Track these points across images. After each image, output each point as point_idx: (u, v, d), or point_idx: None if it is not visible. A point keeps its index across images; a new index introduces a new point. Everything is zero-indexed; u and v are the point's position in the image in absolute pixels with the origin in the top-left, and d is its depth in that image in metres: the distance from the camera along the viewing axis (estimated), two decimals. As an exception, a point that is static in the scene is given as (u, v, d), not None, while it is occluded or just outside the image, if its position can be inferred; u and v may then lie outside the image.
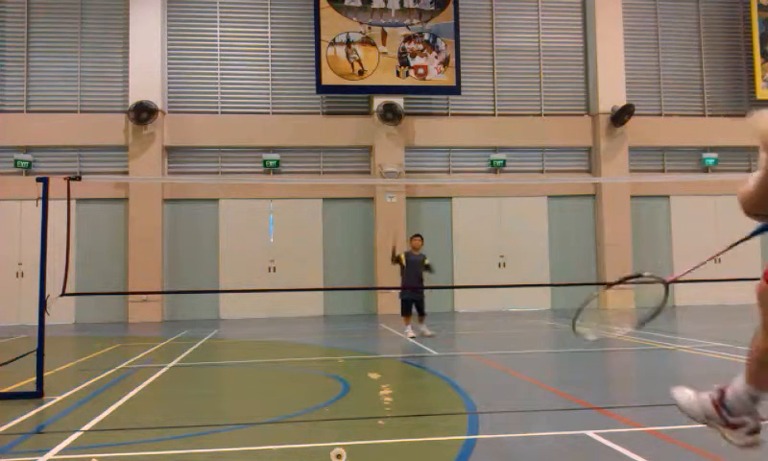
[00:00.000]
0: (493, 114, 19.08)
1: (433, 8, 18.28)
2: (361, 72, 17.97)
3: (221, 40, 18.41)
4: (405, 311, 11.41)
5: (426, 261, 11.38)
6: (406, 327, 11.35)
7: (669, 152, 19.66)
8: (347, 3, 17.99)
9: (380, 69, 18.03)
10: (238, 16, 18.52)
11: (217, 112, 18.24)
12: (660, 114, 19.68)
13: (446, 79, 18.21)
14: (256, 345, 11.43)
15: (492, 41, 19.22)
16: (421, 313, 11.34)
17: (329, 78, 17.86)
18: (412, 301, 11.35)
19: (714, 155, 19.49)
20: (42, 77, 17.82)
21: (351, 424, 5.07)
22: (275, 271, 17.80)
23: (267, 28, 18.57)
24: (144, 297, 16.88)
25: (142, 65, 17.51)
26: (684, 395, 3.00)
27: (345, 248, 18.21)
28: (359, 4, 18.04)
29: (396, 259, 11.39)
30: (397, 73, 18.08)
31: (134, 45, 17.58)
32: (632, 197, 18.89)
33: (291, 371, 8.28)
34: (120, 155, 17.70)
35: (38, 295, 6.53)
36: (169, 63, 18.15)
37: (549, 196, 18.95)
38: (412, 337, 11.00)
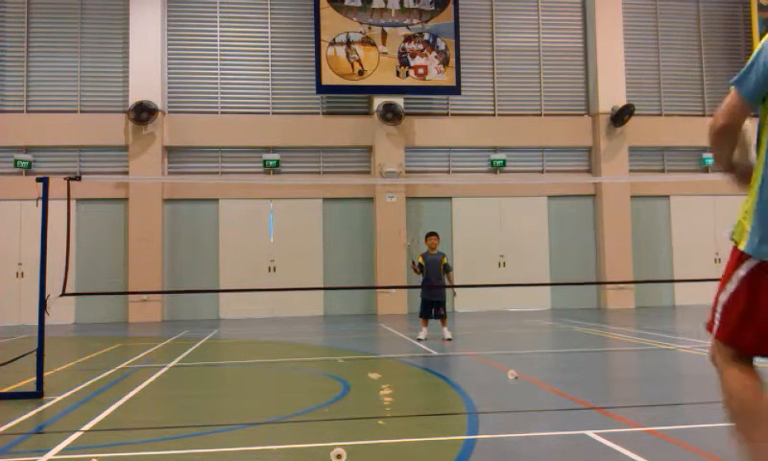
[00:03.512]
0: (493, 114, 19.08)
1: (433, 8, 18.28)
2: (361, 72, 17.98)
3: (221, 40, 18.41)
4: (423, 313, 10.98)
5: (445, 261, 11.02)
6: (422, 328, 10.89)
7: (669, 152, 19.67)
8: (347, 3, 17.99)
9: (380, 69, 18.03)
10: (238, 16, 18.52)
11: (217, 112, 18.25)
12: (660, 114, 19.68)
13: (446, 79, 18.21)
14: (256, 345, 11.43)
15: (492, 41, 19.22)
16: (441, 316, 10.85)
17: (329, 78, 17.86)
18: (431, 302, 10.89)
19: (714, 155, 19.47)
20: (42, 77, 17.82)
21: (351, 424, 5.08)
22: (275, 271, 17.80)
23: (267, 28, 18.57)
24: (144, 297, 16.89)
25: (142, 65, 17.51)
26: None
27: (345, 248, 18.21)
28: (359, 4, 18.04)
29: (419, 268, 11.00)
30: (397, 73, 18.08)
31: (134, 45, 17.59)
32: (632, 197, 18.89)
33: (291, 371, 8.28)
34: (120, 155, 17.70)
35: (38, 295, 6.53)
36: (169, 63, 18.15)
37: (549, 196, 18.95)
38: (419, 340, 10.71)
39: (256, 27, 18.56)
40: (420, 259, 11.08)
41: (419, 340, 10.75)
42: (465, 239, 18.45)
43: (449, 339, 10.73)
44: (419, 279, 12.02)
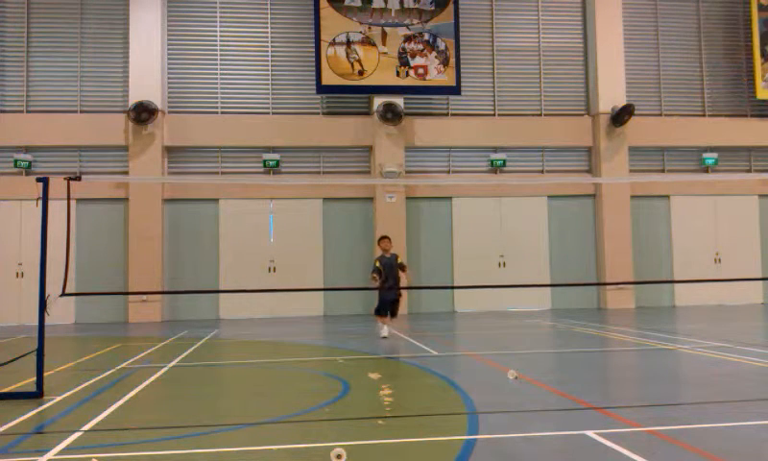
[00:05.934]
0: (493, 114, 19.08)
1: (433, 8, 18.28)
2: (361, 72, 17.97)
3: (221, 40, 18.40)
4: (382, 311, 11.44)
5: (399, 260, 11.51)
6: (382, 327, 11.37)
7: (669, 152, 19.66)
8: (347, 3, 17.99)
9: (380, 69, 18.03)
10: (238, 16, 18.52)
11: (217, 112, 18.24)
12: (660, 114, 19.68)
13: (446, 79, 18.21)
14: (256, 345, 11.43)
15: (492, 41, 19.22)
16: (393, 315, 11.43)
17: (329, 78, 17.86)
18: (390, 301, 11.39)
19: (714, 155, 19.50)
20: (42, 77, 17.82)
21: (351, 424, 5.07)
22: (275, 271, 17.80)
23: (267, 28, 18.57)
24: (144, 297, 16.89)
25: (142, 65, 17.51)
26: None
27: (345, 248, 18.21)
28: (359, 4, 18.04)
29: (377, 272, 11.39)
30: (397, 73, 18.08)
31: (134, 45, 17.59)
32: (632, 197, 18.89)
33: (291, 371, 8.28)
34: (120, 155, 17.70)
35: (38, 295, 6.53)
36: (169, 63, 18.15)
37: (549, 196, 18.95)
38: (383, 338, 11.11)
39: (256, 27, 18.55)
40: (378, 264, 11.46)
41: (383, 338, 11.10)
42: (465, 239, 18.45)
43: (385, 337, 11.18)
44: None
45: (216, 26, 18.42)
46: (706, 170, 19.54)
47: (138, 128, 17.36)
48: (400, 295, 11.61)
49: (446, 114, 18.96)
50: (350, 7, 18.01)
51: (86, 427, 5.04)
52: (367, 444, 4.48)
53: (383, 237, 11.74)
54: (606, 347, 10.20)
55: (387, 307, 11.40)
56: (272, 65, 18.51)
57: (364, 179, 18.57)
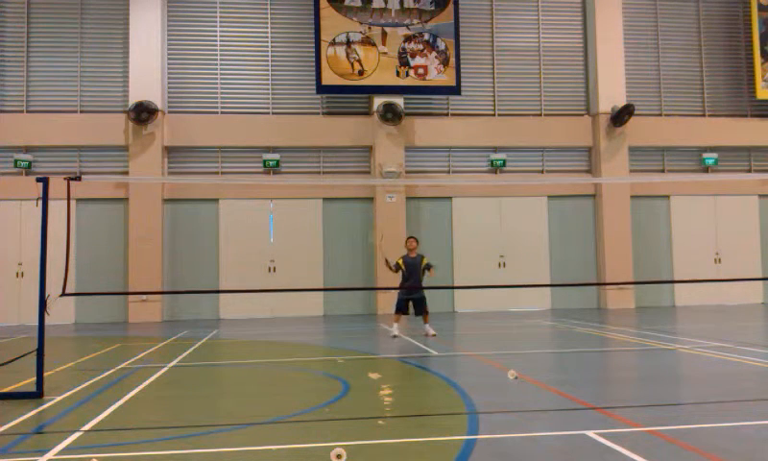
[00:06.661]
0: (493, 114, 19.08)
1: (433, 8, 18.28)
2: (361, 72, 17.97)
3: (221, 40, 18.41)
4: (399, 310, 11.48)
5: (426, 261, 11.50)
6: (394, 324, 11.43)
7: (669, 152, 19.66)
8: (347, 3, 17.99)
9: (380, 69, 18.03)
10: (238, 16, 18.52)
11: (217, 112, 18.25)
12: (660, 114, 19.68)
13: (446, 79, 18.21)
14: (256, 345, 11.43)
15: (492, 41, 19.22)
16: (425, 313, 11.45)
17: (329, 78, 17.86)
18: (409, 300, 11.44)
19: (714, 155, 19.50)
20: (42, 77, 17.82)
21: (351, 424, 5.08)
22: (275, 271, 17.80)
23: (267, 28, 18.57)
24: (144, 297, 16.89)
25: (142, 65, 17.51)
26: None
27: (345, 248, 18.21)
28: (359, 4, 18.04)
29: (396, 268, 11.47)
30: (397, 73, 18.08)
31: (134, 45, 17.59)
32: (632, 197, 18.89)
33: (291, 371, 8.28)
34: (120, 155, 17.71)
35: (38, 295, 6.53)
36: (169, 63, 18.15)
37: (549, 196, 18.95)
38: (394, 336, 11.15)
39: (256, 27, 18.55)
40: (400, 262, 11.51)
41: (394, 337, 11.14)
42: (465, 239, 18.45)
43: (434, 335, 11.26)
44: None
45: (216, 26, 18.42)
46: (706, 170, 19.54)
47: (138, 128, 17.36)
48: (423, 296, 11.54)
49: (446, 114, 18.96)
50: (350, 7, 18.01)
51: (86, 427, 5.04)
52: (367, 444, 4.48)
53: (410, 237, 11.85)
54: (606, 347, 10.20)
55: (404, 307, 11.45)
56: (272, 65, 18.51)
57: (364, 179, 18.56)
